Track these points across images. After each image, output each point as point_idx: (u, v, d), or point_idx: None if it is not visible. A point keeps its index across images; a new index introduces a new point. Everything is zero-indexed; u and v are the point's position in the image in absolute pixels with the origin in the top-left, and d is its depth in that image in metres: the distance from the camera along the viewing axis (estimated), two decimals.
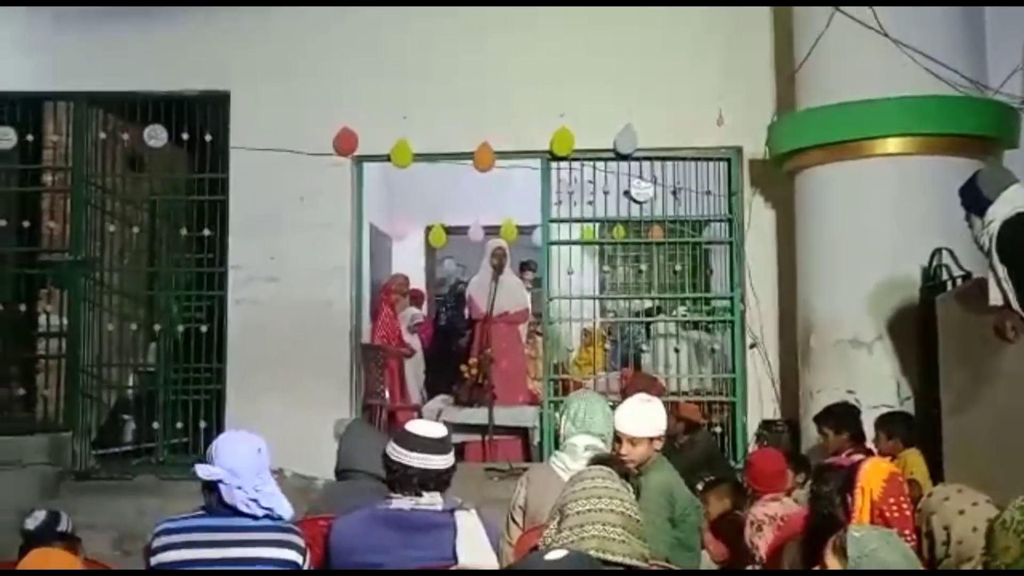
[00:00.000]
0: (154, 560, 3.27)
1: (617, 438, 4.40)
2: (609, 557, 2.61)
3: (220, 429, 7.78)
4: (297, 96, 8.00)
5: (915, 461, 5.62)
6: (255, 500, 3.28)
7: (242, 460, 3.30)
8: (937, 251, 6.16)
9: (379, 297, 9.49)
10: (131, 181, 8.79)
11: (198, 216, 8.23)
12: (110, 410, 8.55)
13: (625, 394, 6.31)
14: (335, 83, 8.01)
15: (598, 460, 3.91)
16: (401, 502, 3.33)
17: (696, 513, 4.64)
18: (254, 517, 3.30)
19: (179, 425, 8.15)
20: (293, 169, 7.94)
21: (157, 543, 3.28)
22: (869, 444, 5.77)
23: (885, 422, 5.85)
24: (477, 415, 8.37)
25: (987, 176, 4.87)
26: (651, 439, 4.41)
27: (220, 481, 3.28)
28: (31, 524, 4.55)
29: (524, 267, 10.44)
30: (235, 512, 3.29)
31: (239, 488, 3.27)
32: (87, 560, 4.14)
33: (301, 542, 3.37)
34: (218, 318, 8.10)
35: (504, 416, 8.33)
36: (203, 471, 3.30)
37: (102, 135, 8.42)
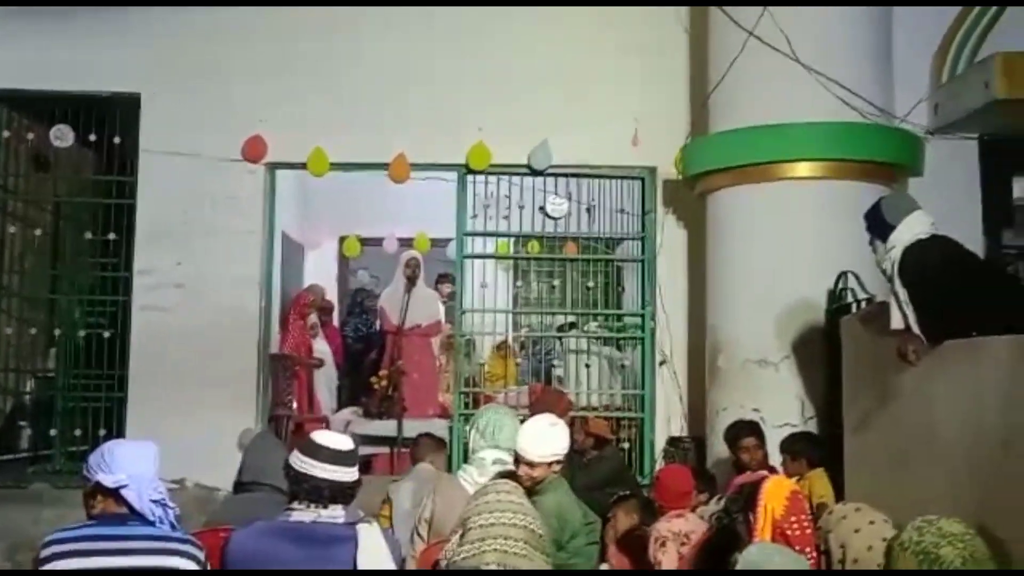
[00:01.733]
0: (43, 569, 3.15)
1: (516, 458, 4.34)
2: (507, 569, 2.60)
3: (120, 436, 7.59)
4: (210, 100, 7.87)
5: (821, 483, 5.70)
6: (158, 502, 3.26)
7: (139, 465, 3.29)
8: (843, 274, 6.28)
9: (291, 307, 9.35)
10: (35, 181, 8.53)
11: (104, 219, 8.03)
12: (6, 416, 8.28)
13: (533, 409, 6.32)
14: (250, 88, 7.90)
15: (504, 475, 3.90)
16: (302, 514, 3.27)
17: (586, 535, 4.62)
18: (151, 524, 3.25)
19: (77, 432, 7.93)
20: (204, 174, 7.81)
21: (45, 553, 3.18)
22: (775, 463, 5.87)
23: (791, 443, 5.93)
24: (387, 427, 8.30)
25: (890, 203, 4.96)
26: (549, 464, 4.35)
27: (125, 487, 3.24)
28: None
29: (441, 279, 10.40)
30: (125, 521, 3.24)
31: (138, 495, 3.24)
32: None
33: (199, 553, 3.31)
34: (121, 324, 7.91)
35: (414, 428, 8.23)
36: (108, 479, 3.25)
37: (6, 133, 8.17)
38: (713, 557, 3.42)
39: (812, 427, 6.44)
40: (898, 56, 7.16)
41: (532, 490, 4.19)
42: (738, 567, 2.75)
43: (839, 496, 5.40)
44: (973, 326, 4.32)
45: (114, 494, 3.27)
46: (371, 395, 8.86)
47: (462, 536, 2.74)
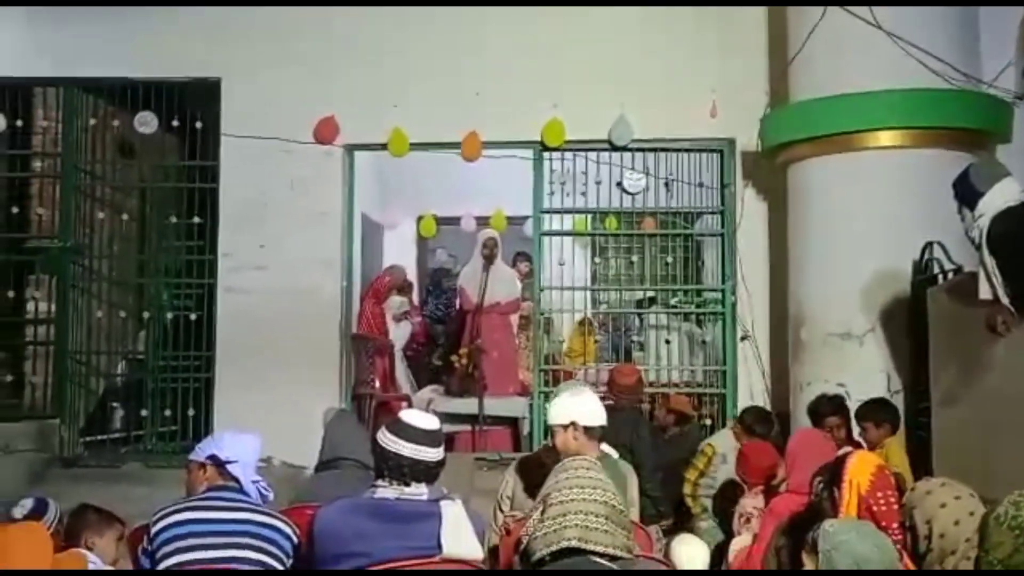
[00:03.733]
0: (155, 527, 3.48)
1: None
2: (591, 547, 2.59)
3: (208, 417, 7.79)
4: (289, 84, 7.97)
5: (896, 451, 5.62)
6: (256, 483, 3.70)
7: (249, 450, 3.75)
8: (928, 244, 6.15)
9: (368, 289, 9.43)
10: (121, 168, 8.73)
11: (188, 204, 8.20)
12: (98, 397, 8.50)
13: (612, 384, 6.32)
14: (327, 71, 7.97)
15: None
16: (386, 491, 3.31)
17: None
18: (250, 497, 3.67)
19: (167, 413, 8.13)
20: (284, 157, 7.91)
21: (159, 515, 3.52)
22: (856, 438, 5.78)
23: (872, 411, 5.82)
24: (467, 405, 8.34)
25: (979, 169, 4.84)
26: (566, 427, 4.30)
27: (234, 463, 3.68)
28: (18, 513, 4.51)
29: (519, 258, 10.40)
30: (232, 490, 3.66)
31: (243, 470, 3.68)
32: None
33: (291, 527, 3.63)
34: (207, 306, 8.07)
35: (494, 406, 8.31)
36: (222, 453, 3.71)
37: (92, 121, 8.37)
38: (796, 533, 3.38)
39: (899, 401, 6.33)
40: (984, 20, 6.97)
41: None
42: (819, 544, 2.71)
43: (924, 469, 5.31)
44: None
45: (221, 468, 3.69)
46: (452, 373, 8.91)
47: (543, 512, 2.74)
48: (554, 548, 2.62)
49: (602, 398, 4.64)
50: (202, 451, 3.77)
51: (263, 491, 3.71)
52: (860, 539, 2.73)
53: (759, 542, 4.26)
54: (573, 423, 4.26)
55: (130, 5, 7.95)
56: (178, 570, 3.42)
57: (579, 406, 4.31)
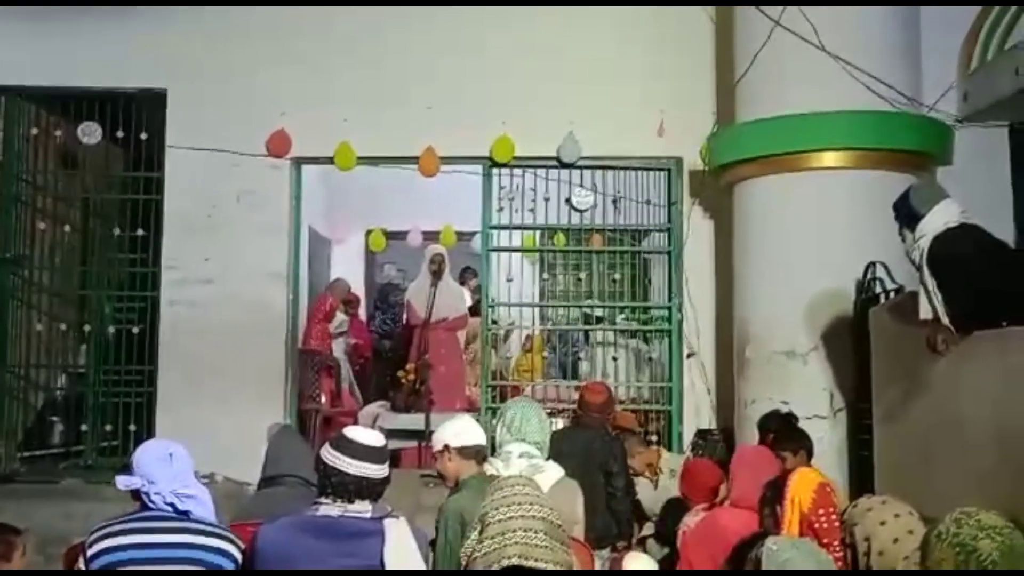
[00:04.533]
0: (91, 550, 3.37)
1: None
2: (532, 564, 2.59)
3: (151, 432, 7.67)
4: (235, 96, 7.91)
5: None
6: (171, 505, 3.44)
7: (155, 467, 3.47)
8: (871, 264, 6.23)
9: (317, 303, 9.37)
10: (64, 178, 8.60)
11: (132, 215, 8.09)
12: (37, 412, 8.36)
13: (581, 402, 6.34)
14: (275, 83, 7.92)
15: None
16: (330, 508, 3.28)
17: None
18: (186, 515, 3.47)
19: (108, 428, 8.01)
20: (230, 169, 7.85)
21: (94, 535, 3.40)
22: None
23: (787, 439, 5.43)
24: (414, 421, 8.30)
25: (919, 191, 4.91)
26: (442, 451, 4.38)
27: (139, 489, 3.45)
28: None
29: (465, 273, 10.40)
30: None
31: (157, 494, 3.43)
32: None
33: (235, 545, 3.51)
34: (150, 319, 7.96)
35: (441, 422, 8.24)
36: (121, 482, 3.48)
37: (34, 131, 8.24)
38: (740, 551, 3.41)
39: (841, 419, 6.41)
40: (926, 44, 7.08)
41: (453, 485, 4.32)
42: (764, 564, 2.73)
43: (856, 485, 5.31)
44: (1003, 315, 4.28)
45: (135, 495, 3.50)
46: (398, 389, 8.88)
47: (481, 532, 2.72)
48: (495, 567, 2.61)
49: (552, 414, 4.65)
50: (123, 481, 3.53)
51: (183, 499, 3.46)
52: (802, 557, 2.76)
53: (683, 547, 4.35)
54: (445, 447, 4.35)
55: (73, 5, 7.85)
56: (127, 570, 3.35)
57: (447, 430, 4.41)
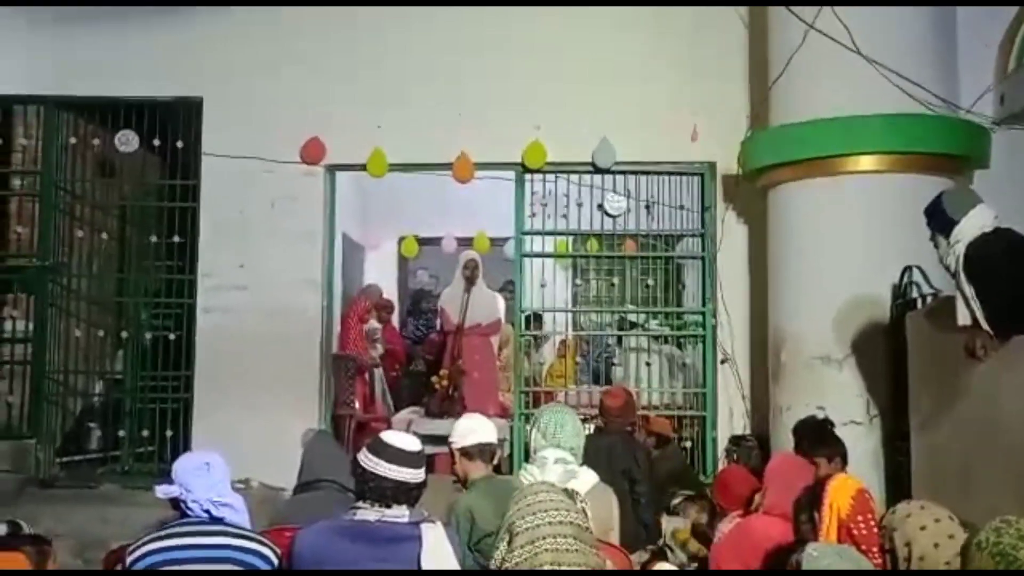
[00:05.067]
0: (131, 557, 3.43)
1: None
2: (565, 569, 2.58)
3: (187, 438, 7.74)
4: (270, 103, 7.96)
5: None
6: (207, 512, 3.53)
7: (192, 477, 3.54)
8: (907, 268, 6.18)
9: (349, 309, 9.41)
10: (101, 186, 8.68)
11: (168, 223, 8.16)
12: (75, 417, 8.44)
13: (601, 408, 6.33)
14: (309, 91, 7.96)
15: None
16: (367, 513, 3.29)
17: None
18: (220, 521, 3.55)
19: (145, 433, 8.07)
20: (265, 177, 7.90)
21: (134, 545, 3.46)
22: None
23: (822, 444, 5.34)
24: (447, 427, 8.29)
25: (951, 198, 4.88)
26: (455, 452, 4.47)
27: (178, 498, 3.54)
28: None
29: (508, 285, 10.37)
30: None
31: (194, 501, 3.51)
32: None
33: (270, 549, 3.57)
34: (187, 326, 8.03)
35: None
36: (160, 490, 3.57)
37: (72, 140, 8.33)
38: (776, 558, 3.39)
39: (877, 425, 6.36)
40: (963, 46, 7.03)
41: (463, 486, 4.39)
42: (804, 567, 2.72)
43: (893, 491, 5.25)
44: None
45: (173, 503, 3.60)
46: (432, 395, 8.89)
47: (510, 541, 2.72)
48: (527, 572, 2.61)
49: (585, 420, 4.65)
50: (162, 490, 3.64)
51: (218, 507, 3.56)
52: (844, 564, 2.74)
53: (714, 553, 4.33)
54: (451, 449, 4.50)
55: (107, 5, 7.95)
56: (165, 571, 3.40)
57: (453, 432, 4.55)
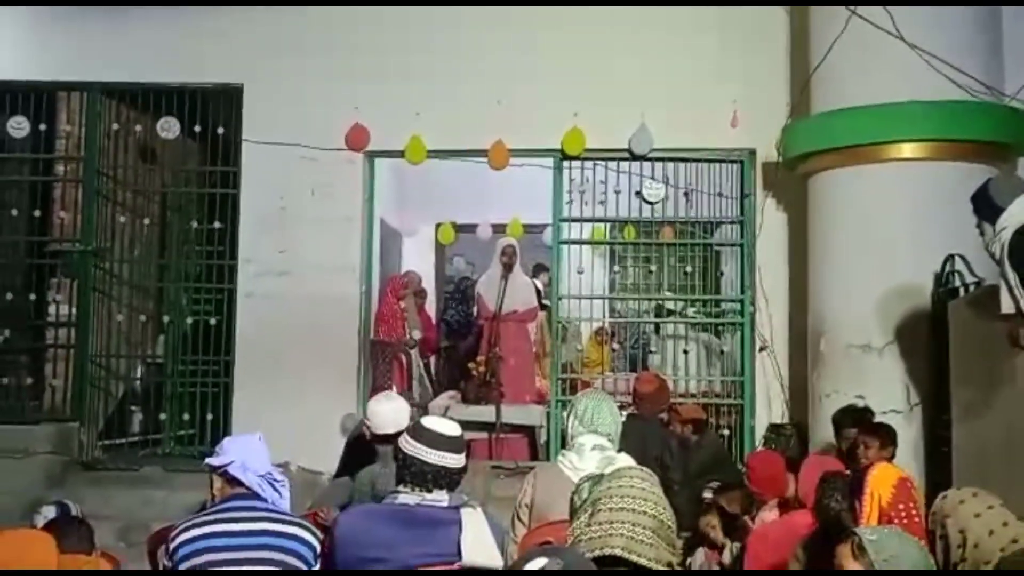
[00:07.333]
0: (174, 542, 3.46)
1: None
2: (634, 559, 2.56)
3: (227, 421, 7.82)
4: (310, 90, 8.00)
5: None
6: (264, 476, 3.62)
7: (247, 450, 3.65)
8: (950, 257, 6.13)
9: (385, 289, 9.41)
10: (143, 172, 8.76)
11: (209, 209, 8.24)
12: (117, 401, 8.54)
13: (634, 393, 6.31)
14: (349, 78, 7.99)
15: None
16: (408, 497, 3.31)
17: None
18: (265, 501, 3.60)
19: (186, 417, 8.17)
20: (305, 163, 7.94)
21: (177, 530, 3.50)
22: None
23: (877, 429, 5.48)
24: (484, 413, 8.33)
25: (998, 184, 4.83)
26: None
27: (230, 464, 3.59)
28: (40, 522, 4.43)
29: (538, 270, 10.38)
30: (244, 498, 3.60)
31: (252, 472, 3.60)
32: (104, 553, 4.16)
33: (312, 533, 3.62)
34: (227, 311, 8.10)
35: (511, 414, 8.29)
36: (216, 460, 3.64)
37: (115, 126, 8.42)
38: (818, 548, 3.37)
39: (917, 414, 6.31)
40: (1007, 31, 6.94)
41: None
42: (871, 555, 2.66)
43: (934, 480, 5.22)
44: None
45: (225, 475, 3.61)
46: (469, 381, 8.91)
47: (591, 516, 2.70)
48: (596, 554, 2.60)
49: (622, 407, 4.64)
50: (215, 460, 3.73)
51: (273, 483, 3.66)
52: (909, 548, 2.70)
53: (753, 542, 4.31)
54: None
55: (156, 5, 8.02)
56: (192, 570, 3.43)
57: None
